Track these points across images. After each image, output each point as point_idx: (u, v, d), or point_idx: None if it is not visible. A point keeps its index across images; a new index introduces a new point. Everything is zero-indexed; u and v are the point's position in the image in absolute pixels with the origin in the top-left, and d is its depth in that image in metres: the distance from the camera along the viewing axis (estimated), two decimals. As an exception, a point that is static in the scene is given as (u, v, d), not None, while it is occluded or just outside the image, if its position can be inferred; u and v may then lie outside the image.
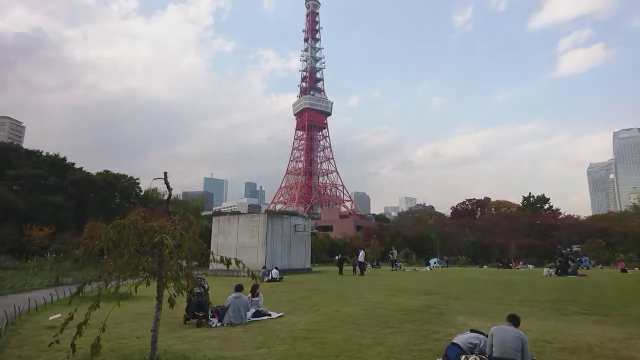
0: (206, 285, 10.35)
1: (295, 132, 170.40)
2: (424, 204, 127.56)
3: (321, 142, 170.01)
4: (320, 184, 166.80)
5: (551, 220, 67.15)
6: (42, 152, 60.59)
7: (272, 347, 6.95)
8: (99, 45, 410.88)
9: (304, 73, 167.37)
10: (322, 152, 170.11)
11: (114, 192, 61.89)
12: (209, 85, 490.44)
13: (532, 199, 78.69)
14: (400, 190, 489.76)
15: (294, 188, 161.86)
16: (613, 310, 11.13)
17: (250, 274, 6.15)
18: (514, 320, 5.83)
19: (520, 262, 44.77)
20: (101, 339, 5.37)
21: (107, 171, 62.96)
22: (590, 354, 6.42)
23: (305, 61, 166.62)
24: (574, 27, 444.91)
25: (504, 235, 61.44)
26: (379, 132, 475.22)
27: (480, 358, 5.56)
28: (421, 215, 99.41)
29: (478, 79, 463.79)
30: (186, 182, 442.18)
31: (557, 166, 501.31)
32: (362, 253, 29.69)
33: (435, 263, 45.19)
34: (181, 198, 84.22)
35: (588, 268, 32.55)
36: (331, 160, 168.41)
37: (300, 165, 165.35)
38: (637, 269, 35.10)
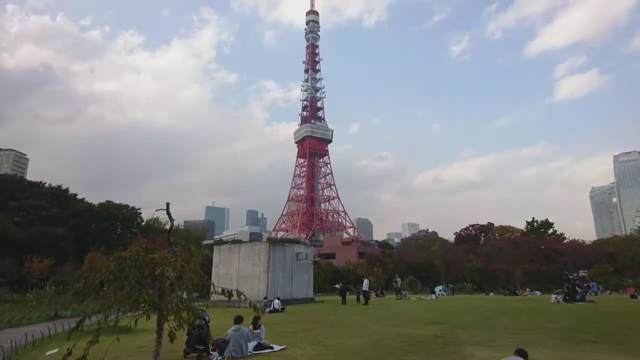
0: (207, 318, 10.14)
1: (297, 159, 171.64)
2: (427, 229, 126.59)
3: (322, 168, 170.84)
4: (322, 211, 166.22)
5: (556, 245, 66.30)
6: (44, 183, 61.00)
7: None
8: (104, 79, 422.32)
9: (305, 102, 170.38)
10: (323, 179, 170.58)
11: (116, 222, 61.76)
12: (211, 115, 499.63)
13: (535, 223, 78.00)
14: (402, 216, 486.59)
15: (295, 215, 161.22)
16: (626, 338, 10.81)
17: (252, 305, 6.06)
18: (523, 355, 5.69)
19: (527, 289, 43.89)
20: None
21: (109, 201, 63.09)
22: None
23: (306, 91, 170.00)
24: (568, 54, 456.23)
25: (509, 261, 60.53)
26: (379, 158, 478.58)
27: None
28: (424, 241, 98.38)
29: (477, 105, 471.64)
30: (187, 210, 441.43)
31: (559, 190, 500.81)
32: (366, 282, 29.22)
33: (440, 291, 44.31)
34: (182, 227, 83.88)
35: (596, 294, 31.85)
36: (332, 187, 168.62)
37: (302, 192, 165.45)
38: (647, 294, 34.27)
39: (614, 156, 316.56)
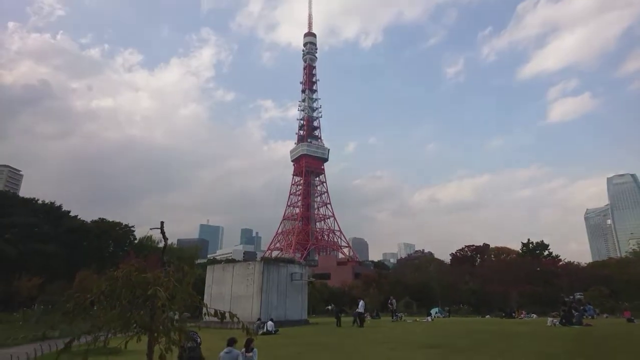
0: (198, 339, 9.95)
1: (293, 177, 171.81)
2: (423, 250, 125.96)
3: (318, 187, 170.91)
4: (317, 230, 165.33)
5: (552, 267, 66.13)
6: (37, 200, 60.43)
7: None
8: (102, 96, 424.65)
9: (302, 122, 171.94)
10: (319, 198, 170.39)
11: (108, 240, 61.01)
12: (208, 133, 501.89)
13: (531, 245, 77.98)
14: (398, 236, 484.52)
15: (290, 234, 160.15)
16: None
17: (244, 328, 5.97)
18: None
19: (523, 312, 43.44)
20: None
21: (101, 219, 62.47)
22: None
23: (303, 110, 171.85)
24: (561, 78, 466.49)
25: (505, 282, 60.15)
26: (375, 178, 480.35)
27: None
28: (420, 262, 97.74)
29: (471, 125, 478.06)
30: (181, 229, 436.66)
31: (553, 212, 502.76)
32: (361, 303, 28.76)
33: (436, 313, 43.75)
34: (176, 246, 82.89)
35: (593, 317, 31.59)
36: (328, 206, 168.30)
37: (297, 210, 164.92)
38: (643, 318, 34.05)
39: (608, 178, 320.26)
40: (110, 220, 63.13)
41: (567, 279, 58.83)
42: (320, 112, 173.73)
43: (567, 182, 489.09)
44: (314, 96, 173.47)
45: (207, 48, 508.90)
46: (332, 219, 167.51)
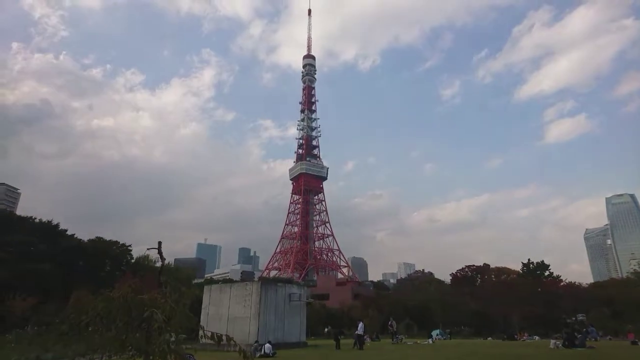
0: (195, 363, 9.74)
1: (292, 196, 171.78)
2: (423, 270, 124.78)
3: (317, 206, 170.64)
4: (316, 249, 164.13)
5: (553, 288, 65.42)
6: (34, 218, 60.07)
7: None
8: (102, 115, 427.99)
9: (301, 141, 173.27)
10: (318, 216, 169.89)
11: (105, 259, 60.37)
12: (207, 152, 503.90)
13: (531, 265, 77.31)
14: (398, 255, 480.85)
15: (289, 253, 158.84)
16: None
17: (241, 351, 5.86)
18: None
19: (526, 334, 42.76)
20: None
21: (98, 238, 61.97)
22: None
23: (302, 130, 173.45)
24: (557, 99, 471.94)
25: (506, 303, 59.39)
26: (374, 197, 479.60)
27: None
28: (421, 282, 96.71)
29: (469, 146, 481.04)
30: (179, 248, 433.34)
31: (553, 231, 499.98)
32: (361, 325, 28.23)
33: (437, 335, 43.02)
34: (173, 265, 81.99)
35: (596, 339, 31.09)
36: (327, 225, 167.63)
37: (296, 229, 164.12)
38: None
39: (606, 198, 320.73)
40: (108, 239, 62.66)
41: (569, 300, 58.13)
42: (319, 132, 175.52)
43: (566, 202, 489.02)
44: (313, 116, 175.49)
45: (208, 69, 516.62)
46: (331, 237, 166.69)
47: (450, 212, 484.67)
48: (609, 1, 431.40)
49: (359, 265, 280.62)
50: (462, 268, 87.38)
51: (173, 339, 5.87)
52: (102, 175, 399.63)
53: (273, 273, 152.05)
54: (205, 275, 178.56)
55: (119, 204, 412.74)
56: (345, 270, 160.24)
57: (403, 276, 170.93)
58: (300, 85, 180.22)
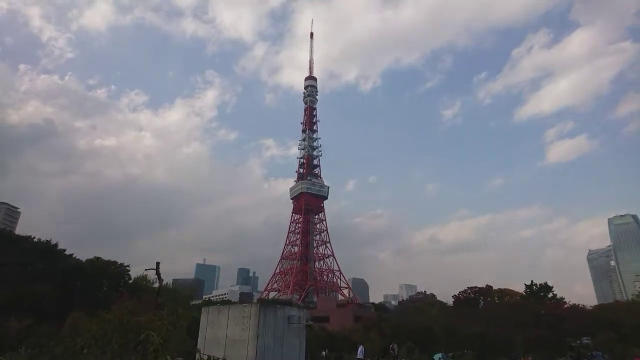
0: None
1: (292, 215, 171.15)
2: (425, 291, 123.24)
3: (318, 225, 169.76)
4: (316, 269, 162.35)
5: (557, 311, 64.39)
6: (33, 238, 59.80)
7: None
8: (105, 135, 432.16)
9: (302, 160, 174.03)
10: (318, 236, 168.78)
11: (103, 279, 59.74)
12: (209, 171, 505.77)
13: (535, 287, 76.38)
14: (399, 277, 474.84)
15: (288, 274, 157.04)
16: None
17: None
18: None
19: (530, 358, 41.85)
20: None
21: (97, 258, 61.52)
22: None
23: (303, 149, 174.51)
24: (557, 120, 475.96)
25: (510, 326, 58.33)
26: (375, 216, 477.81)
27: None
28: (423, 304, 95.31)
29: (470, 166, 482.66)
30: (177, 268, 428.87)
31: (556, 252, 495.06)
32: (360, 349, 27.76)
33: (440, 358, 42.06)
34: (171, 286, 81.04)
35: (602, 364, 30.38)
36: (328, 245, 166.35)
37: (296, 249, 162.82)
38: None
39: (609, 219, 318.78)
40: (106, 259, 62.18)
41: (573, 322, 57.13)
42: (320, 151, 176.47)
43: (569, 223, 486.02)
44: (314, 136, 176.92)
45: (211, 89, 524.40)
46: (331, 258, 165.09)
47: (452, 233, 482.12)
48: (606, 24, 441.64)
49: (360, 286, 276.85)
50: (465, 290, 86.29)
51: (169, 362, 5.79)
52: (103, 195, 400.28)
53: (272, 294, 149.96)
54: (204, 297, 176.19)
55: (119, 223, 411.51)
56: (345, 291, 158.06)
57: (405, 298, 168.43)
58: (301, 106, 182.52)
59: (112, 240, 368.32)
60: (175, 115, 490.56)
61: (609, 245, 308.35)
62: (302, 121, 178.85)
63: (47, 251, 57.91)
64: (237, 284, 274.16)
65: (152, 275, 58.92)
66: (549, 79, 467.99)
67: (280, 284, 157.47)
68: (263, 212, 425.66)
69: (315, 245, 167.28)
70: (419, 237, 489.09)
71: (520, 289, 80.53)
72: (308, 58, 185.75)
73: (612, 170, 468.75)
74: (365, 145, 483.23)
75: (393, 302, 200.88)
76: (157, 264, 6.92)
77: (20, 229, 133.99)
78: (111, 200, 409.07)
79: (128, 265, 63.38)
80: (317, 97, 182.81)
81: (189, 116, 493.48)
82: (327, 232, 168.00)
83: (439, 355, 44.79)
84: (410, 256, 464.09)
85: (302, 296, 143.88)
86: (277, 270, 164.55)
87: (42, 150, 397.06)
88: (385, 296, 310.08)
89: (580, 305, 71.86)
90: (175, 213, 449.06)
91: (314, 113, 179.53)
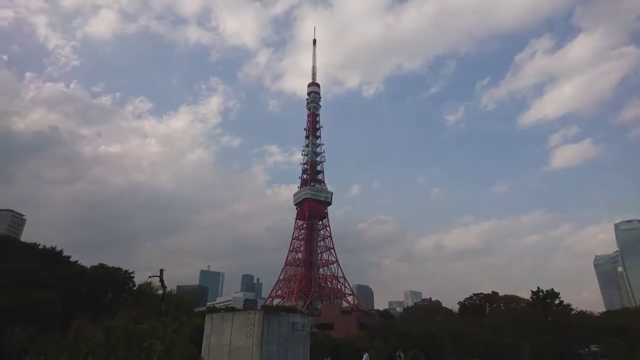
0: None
1: (296, 221, 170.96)
2: (430, 298, 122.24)
3: (321, 231, 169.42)
4: (320, 276, 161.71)
5: (564, 317, 63.60)
6: (38, 245, 60.01)
7: None
8: (110, 142, 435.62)
9: (305, 166, 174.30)
10: (322, 242, 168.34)
11: (107, 286, 59.71)
12: (213, 177, 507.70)
13: (541, 293, 75.49)
14: (404, 283, 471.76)
15: (292, 280, 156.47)
16: None
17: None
18: None
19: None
20: None
21: (101, 264, 61.51)
22: None
23: (307, 155, 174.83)
24: (561, 125, 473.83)
25: (516, 333, 57.64)
26: (379, 222, 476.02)
27: None
28: (428, 311, 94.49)
29: (474, 171, 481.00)
30: (182, 274, 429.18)
31: (562, 258, 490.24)
32: (365, 356, 27.51)
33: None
34: (175, 292, 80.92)
35: (612, 372, 29.90)
36: (332, 251, 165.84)
37: (300, 255, 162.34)
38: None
39: (615, 224, 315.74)
40: (110, 265, 62.19)
41: (580, 329, 56.39)
42: (324, 157, 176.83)
43: (575, 228, 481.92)
44: (318, 142, 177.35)
45: (215, 96, 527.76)
46: (335, 264, 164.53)
47: (457, 239, 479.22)
48: (609, 29, 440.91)
49: (365, 293, 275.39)
50: (471, 296, 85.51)
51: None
52: (108, 201, 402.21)
53: (276, 301, 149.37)
54: (208, 303, 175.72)
55: (123, 229, 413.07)
56: (350, 298, 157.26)
57: (410, 304, 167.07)
58: (305, 112, 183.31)
59: (116, 247, 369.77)
60: (179, 122, 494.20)
61: (616, 251, 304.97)
62: (305, 127, 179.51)
63: (52, 258, 58.04)
64: (241, 291, 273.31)
65: (156, 282, 58.69)
66: (552, 84, 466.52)
67: (285, 290, 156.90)
68: (267, 219, 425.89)
69: (319, 251, 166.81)
70: (423, 243, 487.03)
71: (526, 295, 79.72)
72: (311, 64, 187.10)
73: (618, 175, 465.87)
74: (368, 151, 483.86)
75: (398, 309, 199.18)
76: (161, 271, 6.92)
77: (26, 236, 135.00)
78: (116, 207, 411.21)
79: (132, 272, 63.32)
80: (320, 103, 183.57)
81: (193, 123, 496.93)
82: (331, 238, 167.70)
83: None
84: (415, 262, 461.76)
85: (306, 303, 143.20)
86: (281, 277, 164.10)
87: (48, 157, 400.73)
88: (390, 303, 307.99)
89: (587, 312, 71.01)
90: (179, 219, 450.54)
91: (317, 119, 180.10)
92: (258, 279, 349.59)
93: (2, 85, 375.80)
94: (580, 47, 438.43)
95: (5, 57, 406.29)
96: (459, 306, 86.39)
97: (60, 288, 53.77)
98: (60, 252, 60.27)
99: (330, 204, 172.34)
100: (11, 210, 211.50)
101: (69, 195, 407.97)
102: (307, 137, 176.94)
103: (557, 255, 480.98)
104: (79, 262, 60.39)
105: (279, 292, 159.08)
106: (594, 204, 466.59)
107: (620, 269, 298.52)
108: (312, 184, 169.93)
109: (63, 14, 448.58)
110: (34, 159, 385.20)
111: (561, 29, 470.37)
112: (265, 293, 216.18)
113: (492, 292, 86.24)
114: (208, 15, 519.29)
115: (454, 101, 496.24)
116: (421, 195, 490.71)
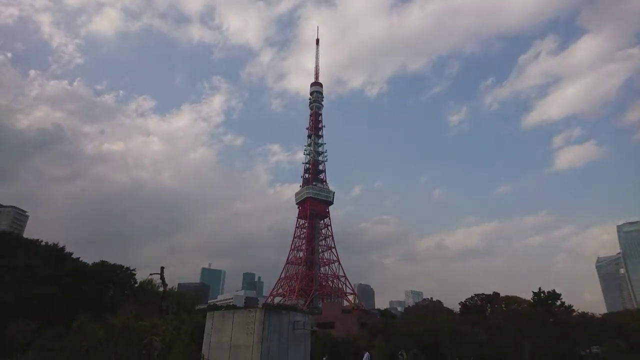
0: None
1: (297, 220, 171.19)
2: (431, 298, 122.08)
3: (323, 230, 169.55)
4: (321, 275, 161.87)
5: (565, 319, 63.42)
6: (40, 241, 60.29)
7: None
8: (113, 140, 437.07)
9: (307, 165, 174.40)
10: (323, 241, 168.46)
11: (109, 283, 59.97)
12: (215, 176, 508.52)
13: (542, 294, 75.25)
14: (405, 283, 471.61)
15: (294, 279, 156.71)
16: None
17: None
18: None
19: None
20: None
21: (103, 261, 61.76)
22: None
23: (309, 155, 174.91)
24: (565, 126, 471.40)
25: (517, 334, 57.54)
26: (381, 222, 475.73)
27: None
28: (429, 311, 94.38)
29: (477, 172, 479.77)
30: (183, 272, 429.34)
31: (564, 260, 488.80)
32: (366, 355, 27.52)
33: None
34: (176, 290, 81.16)
35: (613, 374, 29.82)
36: (333, 250, 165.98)
37: (302, 254, 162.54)
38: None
39: (618, 226, 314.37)
40: (112, 262, 62.44)
41: (582, 331, 56.22)
42: (326, 157, 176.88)
43: (578, 230, 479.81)
44: (320, 141, 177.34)
45: (218, 95, 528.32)
46: (337, 263, 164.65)
47: (459, 239, 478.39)
48: (614, 31, 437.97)
49: (366, 292, 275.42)
50: (472, 297, 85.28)
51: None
52: (110, 199, 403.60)
53: (277, 299, 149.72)
54: (209, 301, 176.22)
55: (125, 227, 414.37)
56: (351, 297, 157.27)
57: (411, 304, 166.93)
58: (307, 111, 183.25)
59: (118, 244, 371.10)
60: (182, 121, 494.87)
61: (619, 253, 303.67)
62: (307, 127, 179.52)
63: (55, 254, 58.32)
64: (242, 289, 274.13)
65: (157, 279, 58.88)
66: (556, 85, 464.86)
67: (286, 289, 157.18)
68: (269, 217, 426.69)
69: (320, 250, 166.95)
70: (425, 243, 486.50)
71: (527, 296, 79.33)
72: (314, 64, 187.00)
73: (621, 176, 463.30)
74: (371, 151, 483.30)
75: (399, 309, 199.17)
76: (162, 268, 6.96)
77: (28, 233, 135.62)
78: (118, 205, 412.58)
79: (134, 269, 63.55)
80: (323, 102, 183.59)
81: (195, 121, 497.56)
82: (333, 238, 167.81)
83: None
84: (417, 262, 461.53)
85: (307, 302, 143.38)
86: (283, 275, 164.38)
87: (51, 154, 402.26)
88: (391, 302, 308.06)
89: (589, 314, 70.71)
90: (181, 217, 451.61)
91: (320, 118, 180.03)
92: (259, 277, 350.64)
93: (7, 82, 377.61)
94: (585, 49, 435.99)
95: (9, 55, 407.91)
96: (460, 306, 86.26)
97: (63, 284, 54.01)
98: (63, 248, 60.57)
99: (332, 203, 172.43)
100: (14, 207, 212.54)
101: (71, 192, 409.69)
102: (309, 136, 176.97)
103: (560, 257, 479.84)
104: (81, 259, 60.66)
105: (280, 290, 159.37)
106: (597, 206, 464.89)
107: (622, 270, 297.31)
108: (314, 183, 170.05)
109: (67, 12, 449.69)
110: (38, 156, 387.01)
111: (565, 30, 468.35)
112: (266, 291, 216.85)
113: (494, 292, 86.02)
114: (211, 13, 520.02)
115: (458, 101, 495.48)
116: (423, 196, 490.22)
